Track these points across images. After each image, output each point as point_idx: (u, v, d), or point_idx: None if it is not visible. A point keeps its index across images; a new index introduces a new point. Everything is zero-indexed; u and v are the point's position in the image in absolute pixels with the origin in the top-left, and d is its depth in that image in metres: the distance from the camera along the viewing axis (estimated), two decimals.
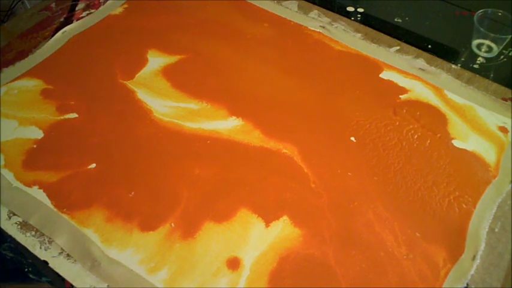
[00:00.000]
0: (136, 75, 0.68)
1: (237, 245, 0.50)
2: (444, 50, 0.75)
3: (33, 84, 0.67)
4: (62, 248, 0.50)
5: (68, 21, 0.78)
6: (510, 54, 0.73)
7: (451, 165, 0.58)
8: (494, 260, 0.50)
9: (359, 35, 0.75)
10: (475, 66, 0.72)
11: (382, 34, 0.75)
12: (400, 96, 0.66)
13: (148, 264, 0.49)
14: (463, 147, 0.60)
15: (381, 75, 0.69)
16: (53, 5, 0.82)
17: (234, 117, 0.63)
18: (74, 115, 0.63)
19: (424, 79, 0.68)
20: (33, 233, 0.52)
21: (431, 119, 0.63)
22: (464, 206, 0.54)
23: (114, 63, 0.70)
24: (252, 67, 0.70)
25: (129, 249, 0.50)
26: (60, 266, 0.50)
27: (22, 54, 0.72)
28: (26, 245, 0.51)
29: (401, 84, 0.67)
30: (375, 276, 0.49)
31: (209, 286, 0.47)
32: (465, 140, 0.61)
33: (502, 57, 0.73)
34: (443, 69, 0.70)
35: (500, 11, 0.72)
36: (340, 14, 0.79)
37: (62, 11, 0.81)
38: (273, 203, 0.54)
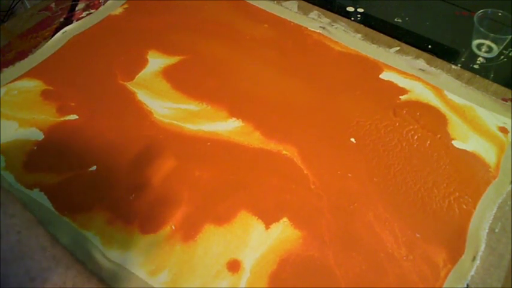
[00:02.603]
0: (137, 76, 0.68)
1: (237, 247, 0.50)
2: (444, 50, 0.75)
3: (33, 85, 0.67)
4: None
5: (68, 21, 0.78)
6: (510, 54, 0.73)
7: (451, 165, 0.58)
8: (494, 260, 0.50)
9: (359, 35, 0.75)
10: (475, 66, 0.71)
11: (382, 34, 0.75)
12: (400, 96, 0.66)
13: (149, 266, 0.49)
14: (463, 148, 0.60)
15: (380, 76, 0.69)
16: (53, 5, 0.82)
17: (234, 119, 0.63)
18: (74, 116, 0.63)
19: (424, 79, 0.68)
20: None
21: (431, 120, 0.63)
22: (464, 206, 0.54)
23: (114, 64, 0.70)
24: (252, 68, 0.70)
25: (129, 252, 0.50)
26: None
27: (22, 55, 0.72)
28: None
29: (401, 85, 0.67)
30: (375, 278, 0.49)
31: None
32: (465, 140, 0.61)
33: (502, 57, 0.73)
34: (443, 69, 0.69)
35: (500, 11, 0.72)
36: (340, 14, 0.79)
37: (62, 11, 0.80)
38: (272, 204, 0.54)
